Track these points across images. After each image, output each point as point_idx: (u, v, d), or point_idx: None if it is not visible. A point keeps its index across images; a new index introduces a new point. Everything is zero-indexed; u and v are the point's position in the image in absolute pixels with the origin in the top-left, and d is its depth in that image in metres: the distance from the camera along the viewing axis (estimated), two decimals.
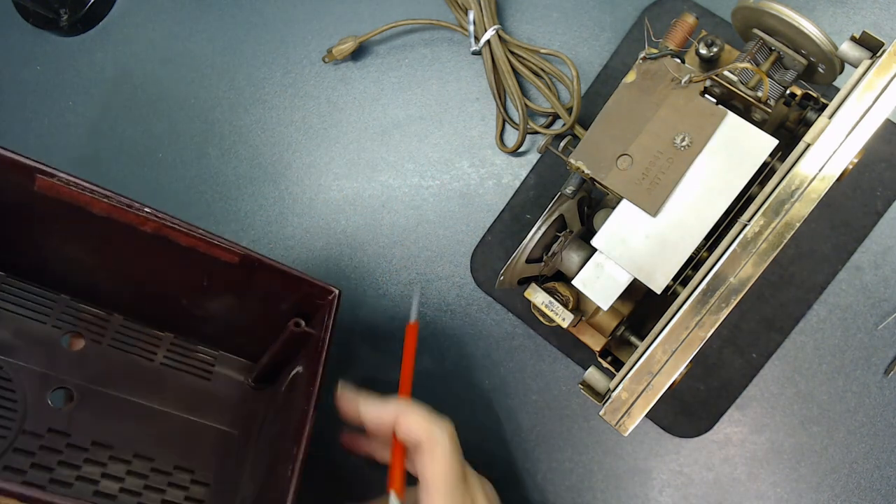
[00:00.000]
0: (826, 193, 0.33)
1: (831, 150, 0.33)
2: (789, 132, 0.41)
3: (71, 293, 0.45)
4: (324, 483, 0.50)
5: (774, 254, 0.33)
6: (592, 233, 0.39)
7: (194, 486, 0.44)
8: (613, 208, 0.38)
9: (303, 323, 0.43)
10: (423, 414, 0.38)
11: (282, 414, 0.45)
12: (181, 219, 0.39)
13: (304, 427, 0.38)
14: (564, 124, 0.49)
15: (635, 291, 0.42)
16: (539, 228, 0.41)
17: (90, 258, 0.42)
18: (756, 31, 0.38)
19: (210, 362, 0.48)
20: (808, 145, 0.33)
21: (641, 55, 0.38)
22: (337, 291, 0.43)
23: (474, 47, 0.52)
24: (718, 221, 0.36)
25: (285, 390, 0.46)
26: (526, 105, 0.51)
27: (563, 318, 0.41)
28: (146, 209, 0.38)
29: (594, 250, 0.39)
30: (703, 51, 0.40)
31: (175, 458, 0.44)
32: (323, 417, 0.40)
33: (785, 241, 0.33)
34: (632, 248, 0.37)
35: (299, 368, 0.44)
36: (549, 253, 0.42)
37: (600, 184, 0.38)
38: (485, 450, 0.51)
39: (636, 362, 0.35)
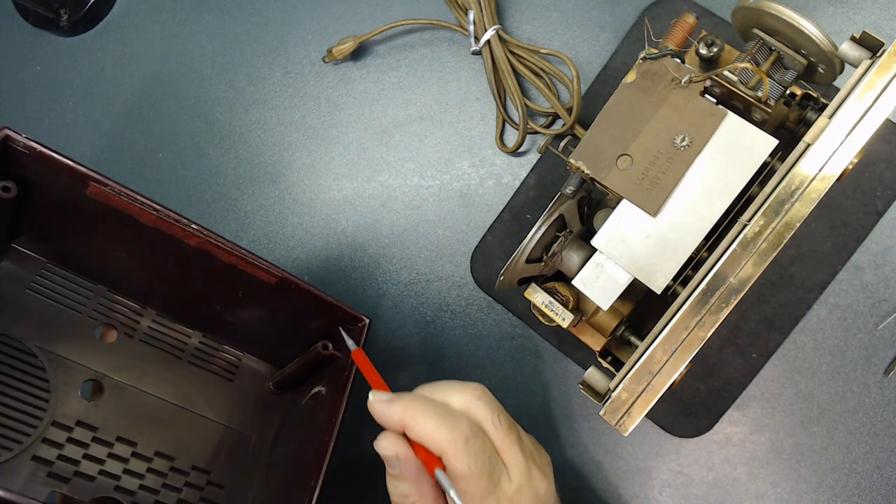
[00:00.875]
0: (826, 193, 0.33)
1: (831, 150, 0.33)
2: (789, 132, 0.41)
3: (108, 285, 0.45)
4: None
5: (774, 254, 0.33)
6: (592, 233, 0.39)
7: (209, 487, 0.44)
8: (613, 208, 0.38)
9: (330, 346, 0.44)
10: (432, 415, 0.33)
11: (302, 429, 0.45)
12: (224, 237, 0.40)
13: (324, 457, 0.39)
14: (564, 124, 0.49)
15: (635, 291, 0.42)
16: (539, 228, 0.41)
17: (132, 258, 0.43)
18: (756, 31, 0.38)
19: (235, 363, 0.48)
20: (808, 145, 0.33)
21: (641, 55, 0.38)
22: (367, 321, 0.44)
23: (474, 47, 0.52)
24: (718, 221, 0.36)
25: (306, 405, 0.46)
26: (526, 105, 0.51)
27: (563, 318, 0.41)
28: (193, 225, 0.39)
29: (594, 250, 0.39)
30: (703, 51, 0.40)
31: (194, 457, 0.45)
32: (344, 439, 0.40)
33: (785, 241, 0.33)
34: (632, 248, 0.37)
35: (321, 389, 0.45)
36: (549, 253, 0.42)
37: (600, 184, 0.38)
38: None
39: (636, 362, 0.35)
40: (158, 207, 0.38)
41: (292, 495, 0.40)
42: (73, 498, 0.38)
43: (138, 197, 0.38)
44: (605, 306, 0.38)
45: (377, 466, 0.34)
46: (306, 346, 0.45)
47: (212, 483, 0.45)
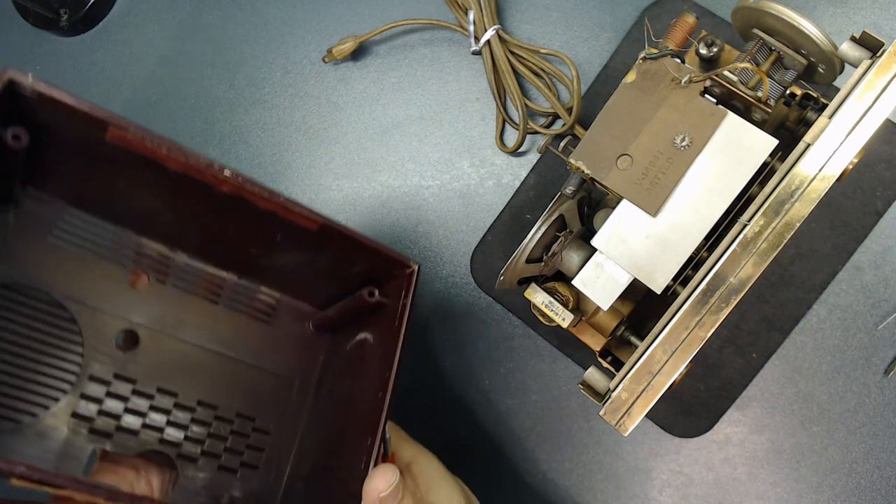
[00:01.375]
0: (826, 193, 0.33)
1: (831, 150, 0.33)
2: (789, 132, 0.41)
3: (135, 229, 0.42)
4: None
5: (774, 254, 0.33)
6: (592, 233, 0.39)
7: (255, 434, 0.43)
8: (613, 208, 0.38)
9: (376, 293, 0.42)
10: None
11: (349, 377, 0.43)
12: (260, 183, 0.37)
13: (379, 417, 0.37)
14: (564, 124, 0.49)
15: (635, 291, 0.42)
16: (539, 228, 0.41)
17: (159, 202, 0.40)
18: (756, 31, 0.38)
19: (272, 304, 0.46)
20: (808, 145, 0.33)
21: (641, 55, 0.38)
22: (416, 267, 0.41)
23: (474, 47, 0.52)
24: (718, 221, 0.36)
25: (351, 351, 0.44)
26: (526, 105, 0.51)
27: (563, 318, 0.41)
28: (226, 172, 0.36)
29: (594, 250, 0.39)
30: (703, 51, 0.40)
31: (237, 405, 0.43)
32: (398, 386, 0.39)
33: (785, 241, 0.33)
34: (632, 248, 0.37)
35: (367, 336, 0.43)
36: (549, 253, 0.42)
37: (600, 184, 0.38)
38: (485, 450, 0.51)
39: (636, 362, 0.35)
40: (188, 153, 0.35)
41: (344, 449, 0.39)
42: (112, 454, 0.37)
43: (164, 142, 0.35)
44: (605, 306, 0.38)
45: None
46: (349, 289, 0.43)
47: (258, 430, 0.43)
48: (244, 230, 0.41)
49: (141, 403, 0.40)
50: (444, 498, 0.40)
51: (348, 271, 0.43)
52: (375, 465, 0.36)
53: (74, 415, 0.38)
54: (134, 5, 0.61)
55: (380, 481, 0.34)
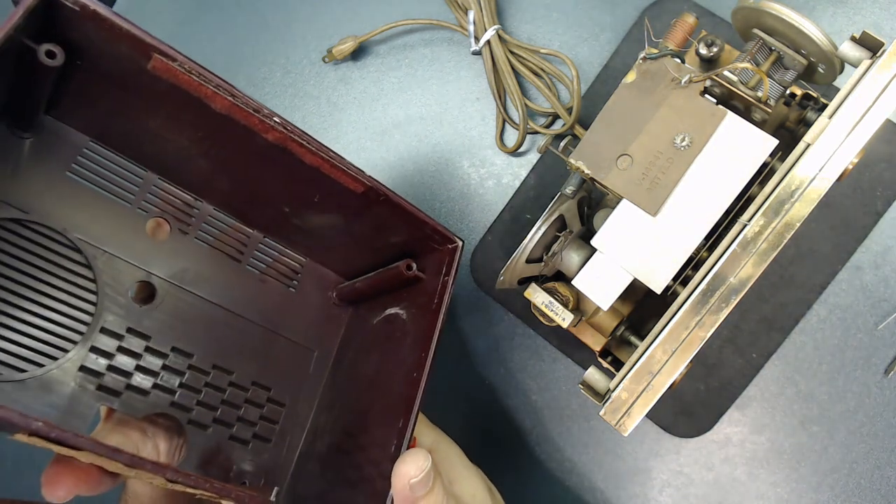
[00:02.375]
0: (826, 193, 0.33)
1: (831, 150, 0.33)
2: (789, 132, 0.41)
3: (160, 173, 0.39)
4: None
5: (774, 254, 0.33)
6: (592, 233, 0.39)
7: (270, 405, 0.41)
8: (613, 208, 0.38)
9: (414, 266, 0.40)
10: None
11: (375, 353, 0.41)
12: (309, 135, 0.35)
13: (414, 397, 0.35)
14: (564, 124, 0.49)
15: (635, 291, 0.42)
16: (539, 228, 0.41)
17: (193, 146, 0.37)
18: (756, 31, 0.38)
19: (297, 269, 0.44)
20: (808, 145, 0.33)
21: (641, 55, 0.38)
22: (460, 243, 0.39)
23: (474, 47, 0.52)
24: (718, 221, 0.36)
25: (378, 326, 0.42)
26: (526, 105, 0.51)
27: (563, 318, 0.41)
28: (275, 118, 0.33)
29: (594, 250, 0.39)
30: (703, 51, 0.40)
31: (254, 373, 0.41)
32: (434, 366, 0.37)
33: (785, 241, 0.33)
34: (632, 248, 0.37)
35: (399, 311, 0.41)
36: (549, 253, 0.42)
37: (600, 184, 0.38)
38: (485, 450, 0.51)
39: (636, 362, 0.35)
40: (236, 93, 0.32)
41: (369, 429, 0.37)
42: (118, 414, 0.34)
43: (213, 77, 0.32)
44: (605, 306, 0.38)
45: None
46: (381, 260, 0.42)
47: (272, 401, 0.41)
48: (280, 185, 0.38)
49: (154, 362, 0.37)
50: (467, 487, 0.38)
51: (385, 241, 0.40)
52: (407, 448, 0.34)
53: (83, 368, 0.35)
54: (134, 5, 0.61)
55: (411, 466, 0.32)
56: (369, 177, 0.36)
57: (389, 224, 0.39)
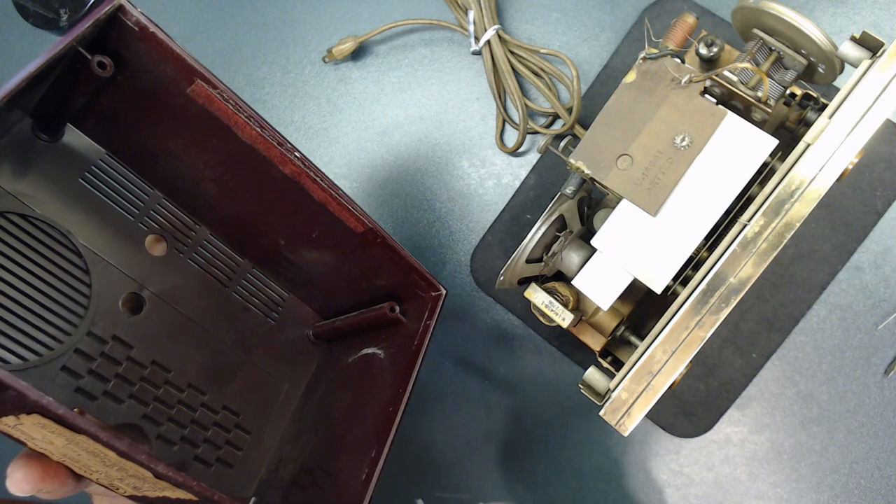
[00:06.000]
0: (826, 193, 0.33)
1: (831, 150, 0.33)
2: (789, 132, 0.41)
3: (166, 193, 0.41)
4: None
5: (774, 254, 0.33)
6: (592, 233, 0.39)
7: (237, 431, 0.42)
8: (613, 208, 0.38)
9: (397, 309, 0.41)
10: None
11: (350, 390, 0.42)
12: (322, 171, 0.37)
13: (389, 428, 0.36)
14: (564, 124, 0.49)
15: (635, 291, 0.42)
16: (539, 228, 0.41)
17: (207, 171, 0.39)
18: (756, 31, 0.38)
19: (279, 303, 0.45)
20: (808, 145, 0.33)
21: (641, 55, 0.38)
22: (443, 292, 0.41)
23: (474, 47, 0.52)
24: (718, 221, 0.36)
25: (354, 363, 0.43)
26: (526, 105, 0.51)
27: (563, 318, 0.41)
28: (296, 153, 0.35)
29: (594, 250, 0.39)
30: (703, 51, 0.40)
31: (226, 397, 0.42)
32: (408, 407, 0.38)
33: (785, 241, 0.33)
34: (632, 248, 0.37)
35: (377, 351, 0.42)
36: (549, 253, 0.42)
37: (600, 184, 0.38)
38: (485, 450, 0.51)
39: (636, 362, 0.35)
40: (265, 125, 0.34)
41: (338, 460, 0.38)
42: (89, 418, 0.35)
43: (246, 107, 0.34)
44: (605, 306, 0.38)
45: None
46: (362, 300, 0.43)
47: (240, 427, 0.42)
48: (283, 217, 0.40)
49: (133, 373, 0.38)
50: None
51: (370, 283, 0.42)
52: (379, 475, 0.35)
53: (65, 368, 0.36)
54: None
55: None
56: (371, 219, 0.38)
57: (379, 266, 0.40)
